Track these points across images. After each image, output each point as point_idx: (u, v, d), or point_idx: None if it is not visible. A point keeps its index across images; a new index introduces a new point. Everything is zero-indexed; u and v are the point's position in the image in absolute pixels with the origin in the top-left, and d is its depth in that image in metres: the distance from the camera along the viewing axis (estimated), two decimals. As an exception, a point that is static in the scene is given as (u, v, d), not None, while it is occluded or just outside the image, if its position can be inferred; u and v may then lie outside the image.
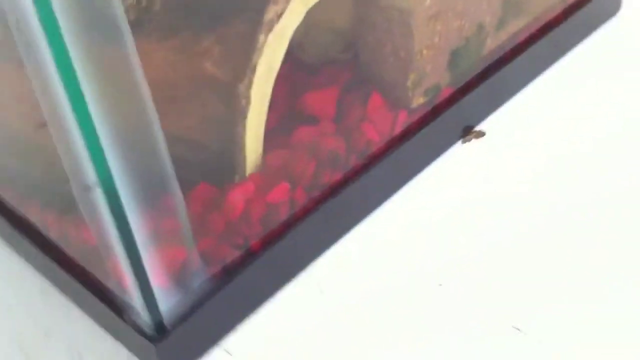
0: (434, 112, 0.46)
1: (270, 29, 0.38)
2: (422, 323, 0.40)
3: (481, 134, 0.49)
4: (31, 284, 0.45)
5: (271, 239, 0.41)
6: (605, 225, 0.43)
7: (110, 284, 0.40)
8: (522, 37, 0.49)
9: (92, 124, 0.31)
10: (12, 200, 0.44)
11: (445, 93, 0.46)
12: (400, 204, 0.45)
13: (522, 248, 0.42)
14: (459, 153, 0.48)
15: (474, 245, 0.43)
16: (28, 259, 0.45)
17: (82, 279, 0.41)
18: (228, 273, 0.40)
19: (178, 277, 0.38)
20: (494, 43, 0.48)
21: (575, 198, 0.44)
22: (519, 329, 0.39)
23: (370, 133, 0.43)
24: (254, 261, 0.40)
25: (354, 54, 0.44)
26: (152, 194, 0.35)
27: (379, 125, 0.44)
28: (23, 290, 0.45)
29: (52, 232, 0.42)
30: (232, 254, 0.40)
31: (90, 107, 0.31)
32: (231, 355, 0.40)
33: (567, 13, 0.51)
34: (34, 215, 0.43)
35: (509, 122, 0.49)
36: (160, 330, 0.38)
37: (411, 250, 0.43)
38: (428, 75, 0.45)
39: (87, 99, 0.31)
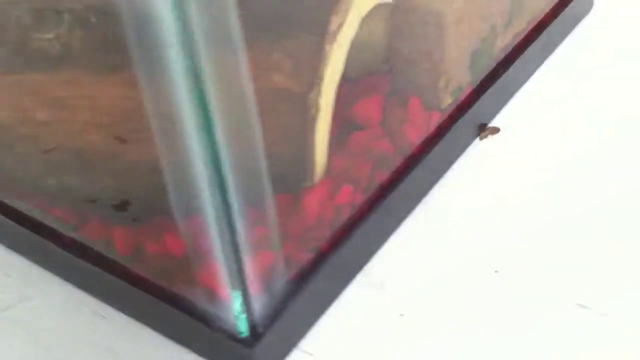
0: (457, 112, 0.49)
1: (333, 39, 0.40)
2: (483, 309, 0.43)
3: (496, 130, 0.51)
4: (89, 310, 0.45)
5: (336, 240, 0.43)
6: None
7: (190, 295, 0.40)
8: (520, 38, 0.53)
9: (214, 135, 0.33)
10: (62, 224, 0.44)
11: (465, 93, 0.49)
12: (440, 198, 0.48)
13: (570, 227, 0.46)
14: (480, 148, 0.50)
15: (522, 229, 0.46)
16: (81, 284, 0.45)
17: (155, 294, 0.42)
18: (302, 276, 0.41)
19: (267, 281, 0.39)
20: (501, 43, 0.51)
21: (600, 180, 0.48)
22: (584, 306, 0.42)
23: (411, 135, 0.46)
24: (324, 262, 0.42)
25: (391, 64, 0.45)
26: (253, 200, 0.36)
27: (418, 127, 0.46)
28: (81, 317, 0.45)
29: (117, 249, 0.43)
30: (306, 257, 0.41)
31: (214, 118, 0.32)
32: (312, 355, 0.42)
33: (554, 13, 0.55)
34: (92, 233, 0.43)
35: (518, 117, 0.52)
36: (255, 335, 0.39)
37: (459, 239, 0.46)
38: (454, 76, 0.47)
39: (212, 111, 0.32)
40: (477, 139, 0.51)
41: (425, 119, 0.47)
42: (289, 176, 0.41)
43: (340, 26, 0.40)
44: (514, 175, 0.49)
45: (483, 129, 0.51)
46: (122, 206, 0.41)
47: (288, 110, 0.40)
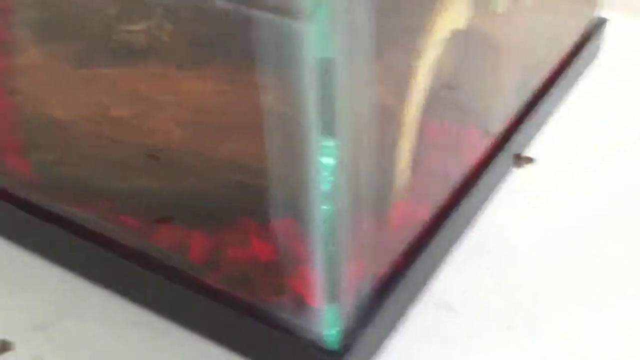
0: (502, 139, 0.49)
1: (422, 57, 0.39)
2: (550, 330, 0.42)
3: (530, 160, 0.52)
4: (146, 326, 0.42)
5: (408, 256, 0.42)
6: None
7: (273, 305, 0.39)
8: (550, 76, 0.54)
9: (334, 138, 0.32)
10: (128, 232, 0.42)
11: (508, 122, 0.49)
12: (488, 220, 0.48)
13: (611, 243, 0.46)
14: (517, 175, 0.51)
15: (575, 250, 0.46)
16: (137, 298, 0.43)
17: (231, 305, 0.40)
18: (381, 290, 0.40)
19: (358, 293, 0.38)
20: (536, 78, 0.52)
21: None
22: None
23: (470, 158, 0.45)
24: (400, 278, 0.41)
25: (456, 88, 0.45)
26: (357, 209, 0.35)
27: (475, 151, 0.46)
28: (138, 333, 0.42)
29: (191, 257, 0.40)
30: (386, 272, 0.40)
31: (337, 122, 0.31)
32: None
33: (572, 56, 0.56)
34: (164, 240, 0.41)
35: (549, 148, 0.53)
36: (344, 348, 0.38)
37: (515, 259, 0.45)
38: (505, 104, 0.48)
39: (336, 114, 0.31)
40: (513, 167, 0.51)
41: (480, 144, 0.46)
42: (379, 189, 0.39)
43: (428, 44, 0.39)
44: (551, 198, 0.49)
45: (518, 158, 0.51)
46: (202, 208, 0.39)
47: (382, 124, 0.39)
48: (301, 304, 0.38)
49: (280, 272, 0.38)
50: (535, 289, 0.44)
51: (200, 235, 0.40)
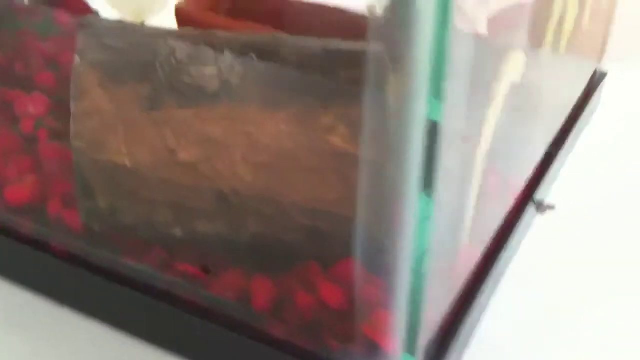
0: (529, 187, 0.49)
1: (493, 104, 0.39)
2: None
3: (552, 207, 0.52)
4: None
5: (463, 302, 0.41)
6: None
7: (341, 355, 0.38)
8: (564, 125, 0.54)
9: (431, 193, 0.31)
10: (185, 281, 0.40)
11: (535, 170, 0.50)
12: (522, 266, 0.48)
13: None
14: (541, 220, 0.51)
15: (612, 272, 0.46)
16: (191, 353, 0.41)
17: (294, 354, 0.38)
18: (443, 336, 0.39)
19: (429, 342, 0.37)
20: (557, 126, 0.52)
21: None
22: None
23: (510, 204, 0.45)
24: (459, 324, 0.40)
25: (505, 137, 0.45)
26: (441, 257, 0.35)
27: (515, 198, 0.46)
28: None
29: (254, 305, 0.39)
30: (447, 317, 0.40)
31: (435, 176, 0.31)
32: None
33: (581, 105, 0.57)
34: (224, 288, 0.40)
35: (567, 195, 0.53)
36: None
37: (555, 309, 0.45)
38: (535, 152, 0.48)
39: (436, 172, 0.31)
40: (537, 213, 0.51)
41: (517, 190, 0.47)
42: (455, 238, 0.39)
43: (498, 92, 0.39)
44: (574, 237, 0.50)
45: (540, 206, 0.52)
46: (268, 254, 0.38)
47: (464, 176, 0.38)
48: (375, 351, 0.37)
49: (353, 319, 0.37)
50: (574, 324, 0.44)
51: (264, 282, 0.39)
